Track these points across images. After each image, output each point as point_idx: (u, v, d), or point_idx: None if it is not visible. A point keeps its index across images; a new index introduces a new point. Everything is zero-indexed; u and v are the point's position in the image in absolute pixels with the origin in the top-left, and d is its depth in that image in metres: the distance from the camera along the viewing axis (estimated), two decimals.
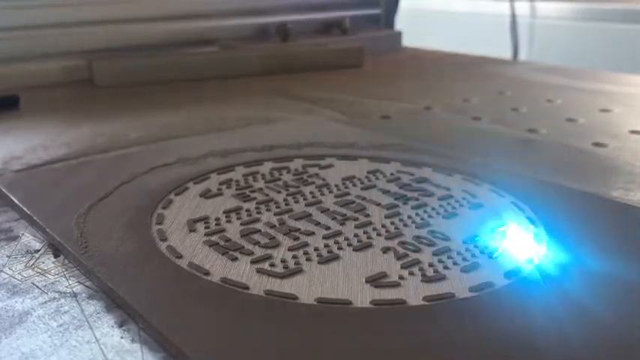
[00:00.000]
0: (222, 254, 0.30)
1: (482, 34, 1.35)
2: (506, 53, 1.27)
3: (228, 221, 0.34)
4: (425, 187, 0.38)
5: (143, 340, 0.24)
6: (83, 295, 0.27)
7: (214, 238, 0.32)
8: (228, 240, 0.31)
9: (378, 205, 0.36)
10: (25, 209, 0.35)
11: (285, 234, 0.32)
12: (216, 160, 0.43)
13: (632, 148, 0.47)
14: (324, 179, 0.40)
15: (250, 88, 0.71)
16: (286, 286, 0.27)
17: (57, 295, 0.27)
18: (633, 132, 0.52)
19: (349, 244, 0.31)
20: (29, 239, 0.33)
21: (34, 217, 0.34)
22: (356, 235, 0.32)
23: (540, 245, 0.31)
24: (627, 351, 0.23)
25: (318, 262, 0.29)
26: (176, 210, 0.35)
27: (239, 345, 0.23)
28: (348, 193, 0.38)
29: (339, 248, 0.31)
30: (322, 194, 0.38)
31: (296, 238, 0.32)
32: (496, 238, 0.31)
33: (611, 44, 1.16)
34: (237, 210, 0.35)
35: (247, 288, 0.27)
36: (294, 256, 0.30)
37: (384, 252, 0.30)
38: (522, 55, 1.29)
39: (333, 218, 0.34)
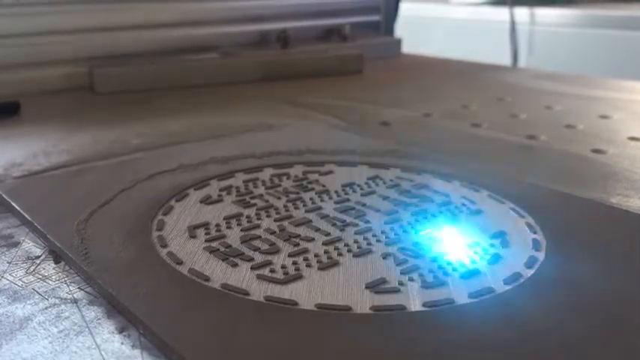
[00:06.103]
0: (223, 260, 0.30)
1: (482, 41, 1.35)
2: (506, 60, 1.27)
3: (229, 227, 0.34)
4: (424, 194, 0.38)
5: (143, 345, 0.24)
6: (84, 301, 0.27)
7: (215, 244, 0.32)
8: (228, 246, 0.31)
9: (378, 211, 0.36)
10: (25, 215, 0.35)
11: (285, 240, 0.32)
12: (216, 167, 0.43)
13: (630, 155, 0.48)
14: (324, 185, 0.40)
15: (250, 95, 0.71)
16: (286, 292, 0.27)
17: (57, 301, 0.27)
18: (632, 138, 0.52)
19: (349, 250, 0.31)
20: (30, 245, 0.33)
21: (35, 224, 0.34)
22: (356, 241, 0.32)
23: (539, 251, 0.31)
24: (627, 354, 0.23)
25: (318, 268, 0.29)
26: (176, 216, 0.35)
27: (239, 351, 0.23)
28: (347, 200, 0.38)
29: (339, 254, 0.31)
30: (322, 200, 0.38)
31: (296, 244, 0.32)
32: (495, 245, 0.32)
33: (611, 51, 1.17)
34: (237, 216, 0.35)
35: (247, 294, 0.27)
36: (294, 262, 0.30)
37: (384, 258, 0.30)
38: (522, 62, 1.29)
39: (333, 224, 0.34)
